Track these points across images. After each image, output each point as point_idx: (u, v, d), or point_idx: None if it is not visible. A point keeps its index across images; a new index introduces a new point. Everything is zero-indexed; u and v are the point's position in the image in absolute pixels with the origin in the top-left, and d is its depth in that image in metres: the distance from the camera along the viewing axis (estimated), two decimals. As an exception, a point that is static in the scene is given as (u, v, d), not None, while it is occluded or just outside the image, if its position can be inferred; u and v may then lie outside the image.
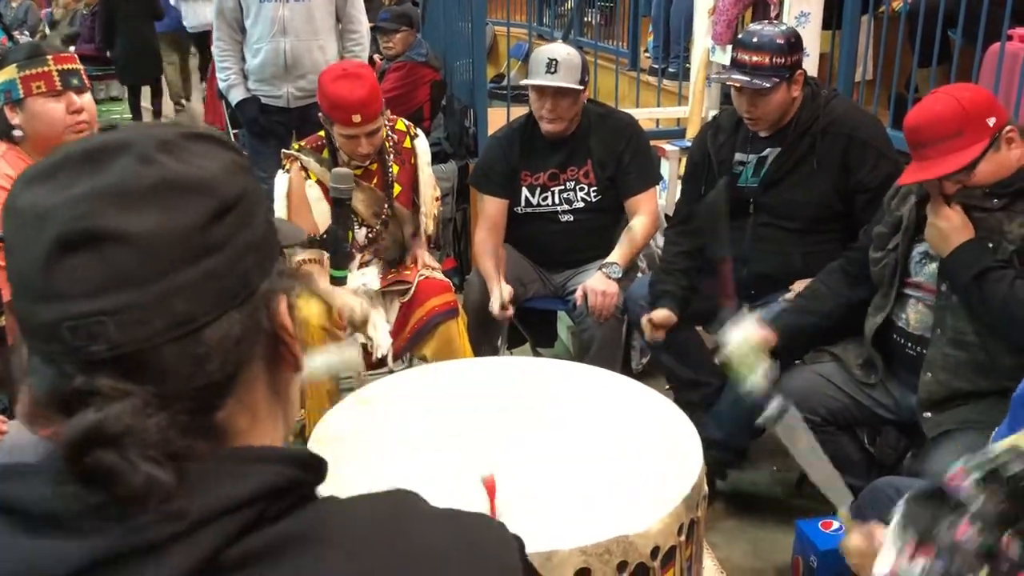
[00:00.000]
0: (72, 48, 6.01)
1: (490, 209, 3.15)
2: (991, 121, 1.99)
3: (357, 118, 2.68)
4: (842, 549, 1.62)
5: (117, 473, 0.56)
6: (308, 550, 0.60)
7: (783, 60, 2.53)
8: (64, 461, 0.57)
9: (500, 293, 2.88)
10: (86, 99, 2.34)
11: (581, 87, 2.98)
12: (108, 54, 8.52)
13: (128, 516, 0.57)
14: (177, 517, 0.57)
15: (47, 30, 10.84)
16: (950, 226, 2.03)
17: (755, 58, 2.53)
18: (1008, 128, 2.01)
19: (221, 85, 3.98)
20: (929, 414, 2.13)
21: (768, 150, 2.67)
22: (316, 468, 0.66)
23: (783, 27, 2.72)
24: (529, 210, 3.13)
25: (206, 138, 0.67)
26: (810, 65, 3.54)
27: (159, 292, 0.59)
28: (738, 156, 2.74)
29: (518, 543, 0.72)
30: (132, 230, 0.59)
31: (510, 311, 2.91)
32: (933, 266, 2.17)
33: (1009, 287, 1.95)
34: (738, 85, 2.56)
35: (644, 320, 2.71)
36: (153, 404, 0.59)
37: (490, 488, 1.53)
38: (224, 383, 0.64)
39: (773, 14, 3.69)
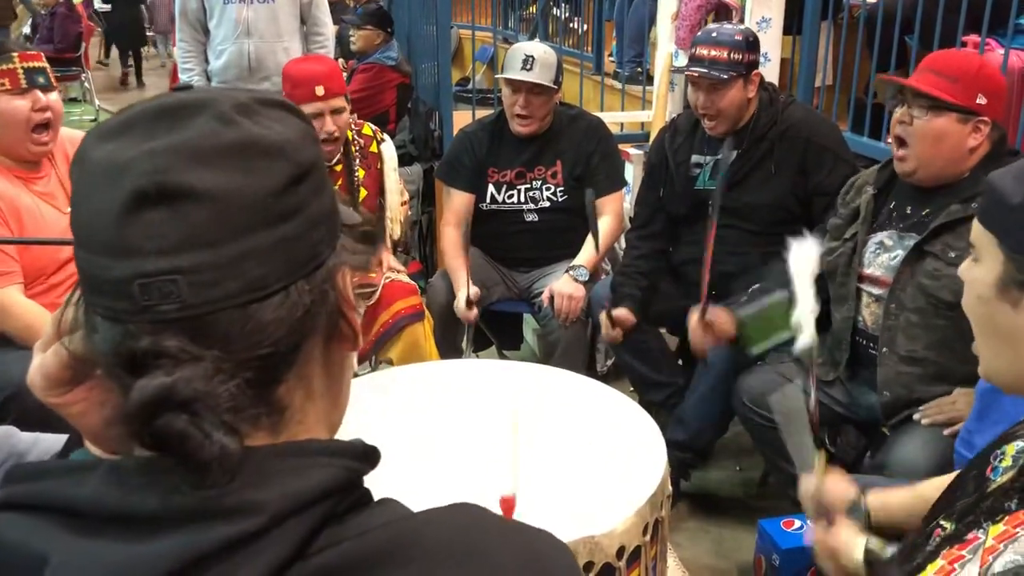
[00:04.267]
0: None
1: (457, 203, 3.15)
2: (981, 99, 2.01)
3: (320, 90, 2.72)
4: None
5: (188, 438, 0.55)
6: (392, 570, 0.59)
7: (740, 56, 2.57)
8: (130, 425, 0.55)
9: (467, 292, 2.89)
10: (52, 97, 2.32)
11: (555, 87, 3.00)
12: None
13: (201, 512, 0.56)
14: (256, 510, 0.56)
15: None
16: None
17: (713, 52, 2.57)
18: (985, 119, 2.02)
19: (184, 87, 3.95)
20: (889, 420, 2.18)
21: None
22: (372, 458, 0.65)
23: (742, 27, 2.76)
24: (494, 207, 3.13)
25: (279, 104, 0.65)
26: (771, 70, 3.59)
27: (234, 254, 0.58)
28: (695, 158, 2.77)
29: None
30: (211, 188, 0.57)
31: (475, 311, 2.92)
32: (886, 256, 2.20)
33: None
34: (695, 76, 2.59)
35: (603, 316, 2.74)
36: (222, 370, 0.57)
37: (507, 508, 1.52)
38: (288, 354, 0.62)
39: (735, 19, 3.74)
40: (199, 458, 0.55)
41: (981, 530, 0.97)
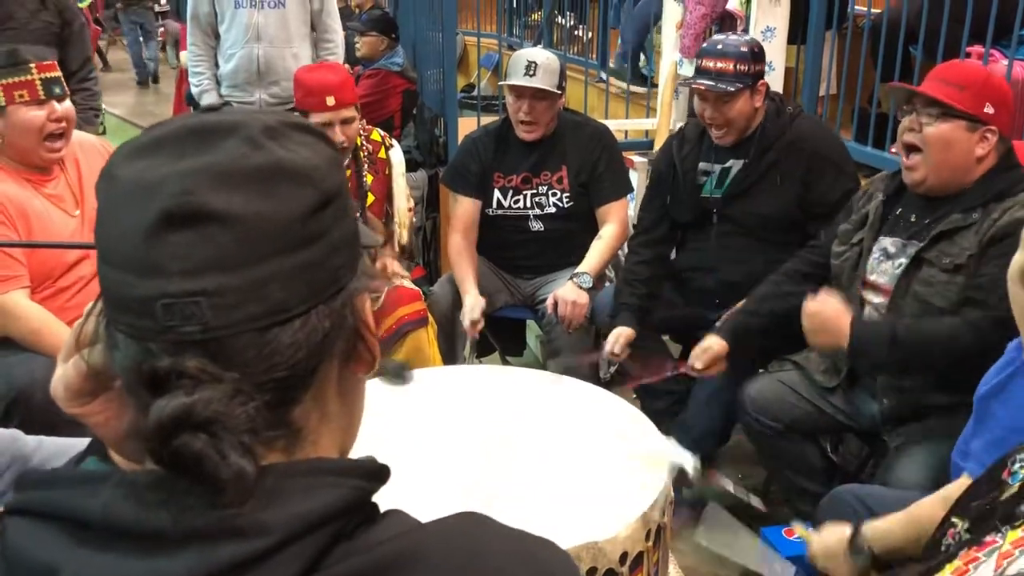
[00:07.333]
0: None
1: (463, 210, 3.16)
2: (989, 109, 2.02)
3: (331, 100, 2.76)
4: (811, 557, 1.66)
5: (205, 459, 0.55)
6: None
7: (746, 68, 2.58)
8: (148, 443, 0.56)
9: (472, 308, 2.89)
10: (66, 105, 2.35)
11: (559, 92, 3.01)
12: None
13: (212, 531, 0.56)
14: (266, 530, 0.57)
15: None
16: (827, 313, 2.13)
17: (719, 64, 2.58)
18: (992, 129, 2.03)
19: (193, 90, 3.96)
20: (891, 429, 2.19)
21: (732, 161, 2.72)
22: (382, 477, 0.65)
23: (747, 37, 2.78)
24: (500, 212, 3.14)
25: (306, 129, 0.66)
26: (776, 79, 3.59)
27: (257, 278, 0.58)
28: (702, 166, 2.78)
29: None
30: (238, 212, 0.58)
31: (480, 325, 2.93)
32: (888, 264, 2.20)
33: (931, 325, 2.02)
34: (702, 88, 2.61)
35: (606, 352, 2.73)
36: (242, 392, 0.58)
37: None
38: (305, 377, 0.63)
39: (739, 28, 3.75)
40: (216, 480, 0.56)
41: (999, 534, 0.97)
